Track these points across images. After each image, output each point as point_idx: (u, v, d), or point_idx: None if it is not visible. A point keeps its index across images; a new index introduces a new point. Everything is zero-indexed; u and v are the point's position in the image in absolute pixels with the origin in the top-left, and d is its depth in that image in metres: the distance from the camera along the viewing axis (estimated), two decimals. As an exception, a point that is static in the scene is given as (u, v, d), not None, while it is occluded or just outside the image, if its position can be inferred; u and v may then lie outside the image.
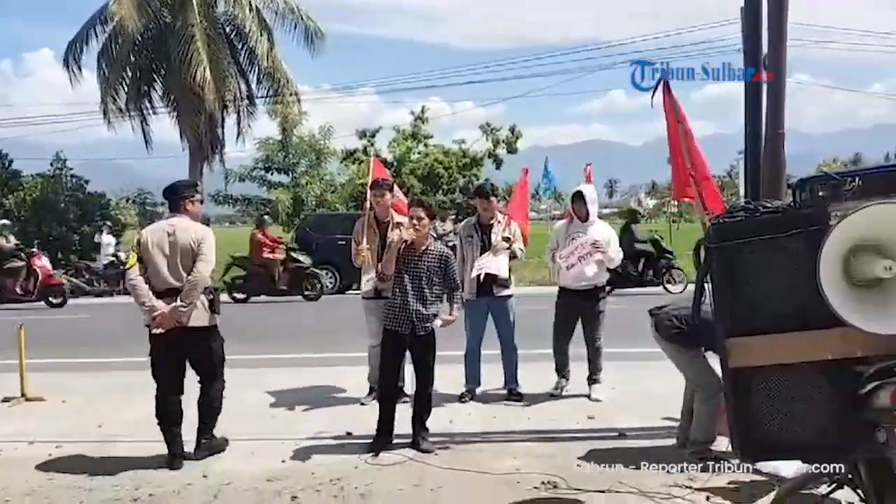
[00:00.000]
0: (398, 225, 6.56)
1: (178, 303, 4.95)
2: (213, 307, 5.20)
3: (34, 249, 16.38)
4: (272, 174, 24.15)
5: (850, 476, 3.56)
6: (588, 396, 6.56)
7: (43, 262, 15.87)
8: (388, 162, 22.84)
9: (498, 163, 25.20)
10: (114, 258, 19.18)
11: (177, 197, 5.26)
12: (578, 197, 6.55)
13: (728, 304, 3.32)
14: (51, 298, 15.52)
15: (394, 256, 5.38)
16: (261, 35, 22.38)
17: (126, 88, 22.50)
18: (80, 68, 22.41)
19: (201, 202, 5.46)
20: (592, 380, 6.66)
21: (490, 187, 6.87)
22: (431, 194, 23.94)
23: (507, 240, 6.61)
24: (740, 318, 3.29)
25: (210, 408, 5.31)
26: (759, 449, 3.43)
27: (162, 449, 5.17)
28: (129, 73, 22.48)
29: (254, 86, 23.77)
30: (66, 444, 5.59)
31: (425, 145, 24.88)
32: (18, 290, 15.42)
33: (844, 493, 3.76)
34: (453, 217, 17.74)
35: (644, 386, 6.71)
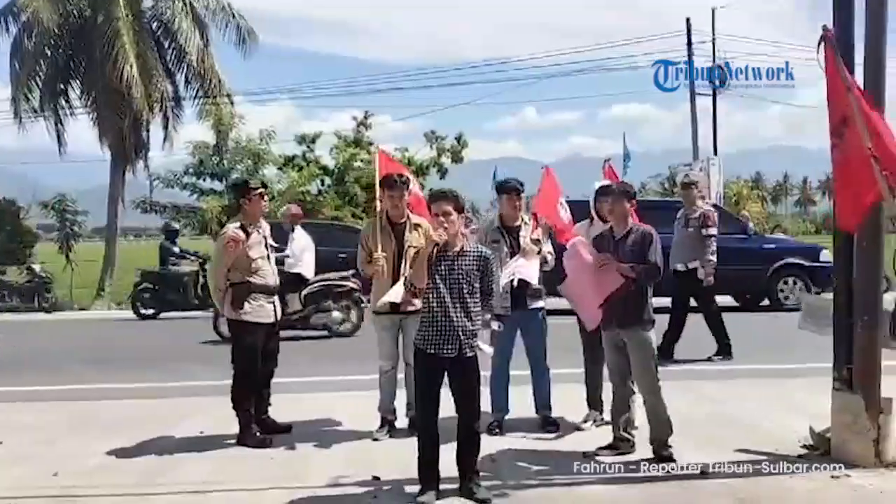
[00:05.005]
0: (416, 227, 5.59)
1: None
2: (232, 301, 5.48)
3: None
4: (204, 180, 22.56)
5: None
6: None
7: None
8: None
9: (443, 172, 24.26)
10: (27, 270, 17.31)
11: (235, 198, 5.82)
12: (606, 191, 5.61)
13: None
14: None
15: (424, 265, 4.31)
16: (192, 32, 20.89)
17: (40, 85, 20.64)
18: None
19: (261, 196, 5.57)
20: None
21: (517, 183, 5.91)
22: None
23: (536, 242, 5.70)
24: None
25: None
26: None
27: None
28: (45, 69, 20.59)
29: (181, 87, 22.22)
30: (17, 501, 4.39)
31: (368, 152, 23.74)
32: None
33: None
34: None
35: (674, 407, 5.13)
